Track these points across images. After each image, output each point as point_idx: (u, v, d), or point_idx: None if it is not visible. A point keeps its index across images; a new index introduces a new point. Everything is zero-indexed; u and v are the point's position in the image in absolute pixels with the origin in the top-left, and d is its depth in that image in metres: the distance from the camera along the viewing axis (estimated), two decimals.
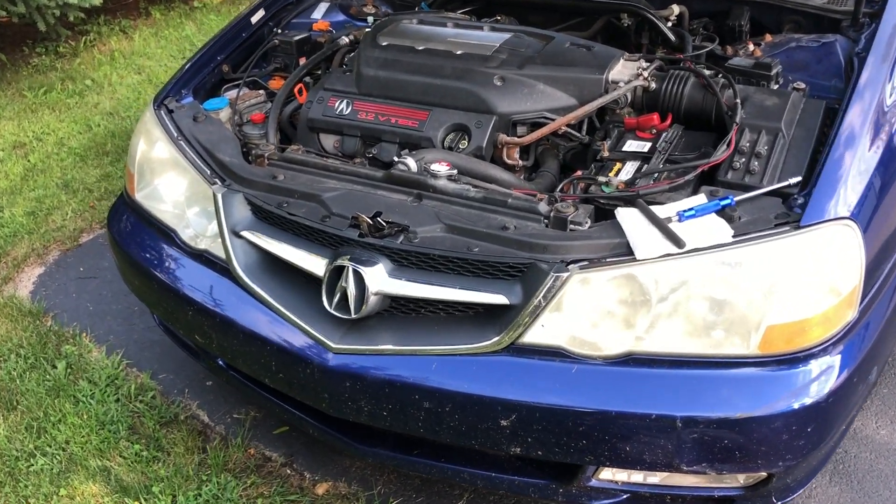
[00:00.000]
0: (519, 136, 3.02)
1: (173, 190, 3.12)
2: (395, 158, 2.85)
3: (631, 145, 2.85)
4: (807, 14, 3.34)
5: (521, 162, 3.04)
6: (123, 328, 4.12)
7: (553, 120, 2.99)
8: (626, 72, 3.04)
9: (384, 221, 2.56)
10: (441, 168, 2.74)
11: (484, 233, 2.49)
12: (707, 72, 2.97)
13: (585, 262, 2.35)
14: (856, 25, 3.11)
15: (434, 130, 3.02)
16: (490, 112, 2.99)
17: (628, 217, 2.40)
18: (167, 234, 3.08)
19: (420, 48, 3.24)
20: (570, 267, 2.34)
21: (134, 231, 3.19)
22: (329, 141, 3.27)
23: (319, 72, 3.57)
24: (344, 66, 3.38)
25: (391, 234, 2.54)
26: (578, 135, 3.03)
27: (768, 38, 3.31)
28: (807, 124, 2.69)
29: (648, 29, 3.57)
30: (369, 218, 2.56)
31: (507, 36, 3.27)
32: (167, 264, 3.01)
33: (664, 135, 2.85)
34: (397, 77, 3.15)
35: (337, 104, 3.20)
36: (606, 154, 2.83)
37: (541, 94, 3.01)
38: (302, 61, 3.69)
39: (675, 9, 3.53)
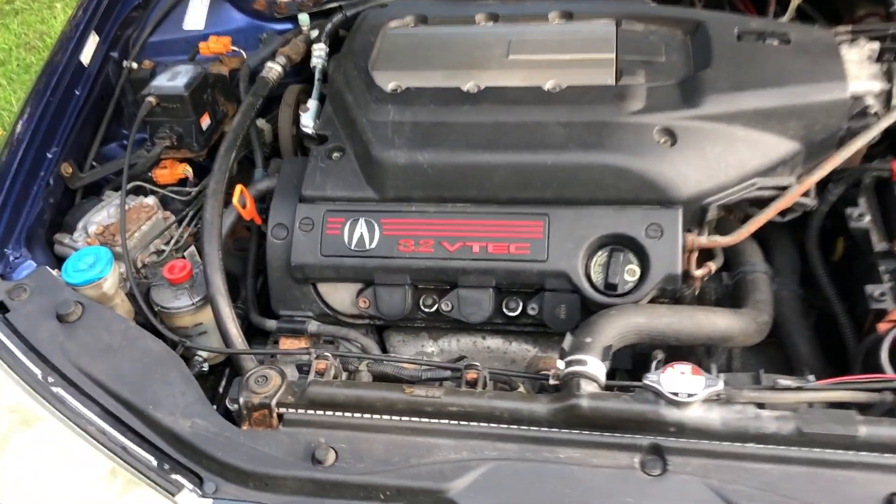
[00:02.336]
0: (719, 232, 1.62)
1: None
2: (557, 369, 1.39)
3: None
4: None
5: (710, 267, 1.66)
6: None
7: (780, 190, 1.61)
8: (866, 71, 1.68)
9: None
10: (685, 379, 1.31)
11: None
12: None
13: None
14: None
15: (567, 257, 1.57)
16: (667, 200, 1.57)
17: None
18: None
19: (474, 89, 1.71)
20: None
21: None
22: (341, 295, 1.73)
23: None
24: (326, 146, 1.77)
25: None
26: (807, 200, 1.67)
27: None
28: None
29: None
30: None
31: (604, 27, 1.80)
32: None
33: None
34: (457, 161, 1.62)
35: (346, 229, 1.65)
36: None
37: (742, 145, 1.61)
38: (205, 122, 2.03)
39: None
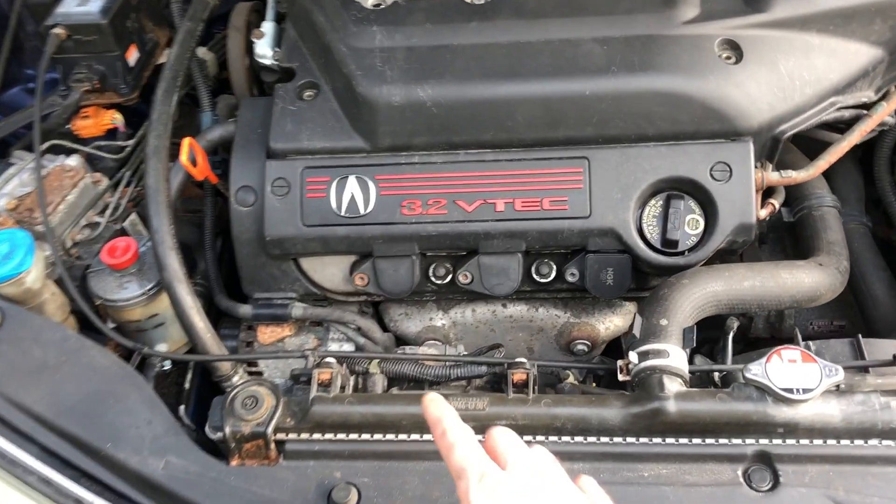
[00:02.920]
0: (795, 165, 1.33)
1: None
2: (627, 361, 1.10)
3: None
4: None
5: (773, 205, 1.37)
6: None
7: (860, 108, 1.33)
8: None
9: None
10: (796, 370, 1.04)
11: None
12: None
13: None
14: None
15: (614, 209, 1.26)
16: (735, 132, 1.26)
17: None
18: None
19: None
20: None
21: None
22: (330, 271, 1.40)
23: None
24: (295, 82, 1.39)
25: None
26: (888, 118, 1.39)
27: None
28: None
29: None
30: None
31: None
32: None
33: None
34: (468, 95, 1.28)
35: (333, 190, 1.30)
36: None
37: (818, 56, 1.30)
38: (132, 56, 1.63)
39: None
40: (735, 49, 1.27)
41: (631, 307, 1.46)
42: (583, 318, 1.45)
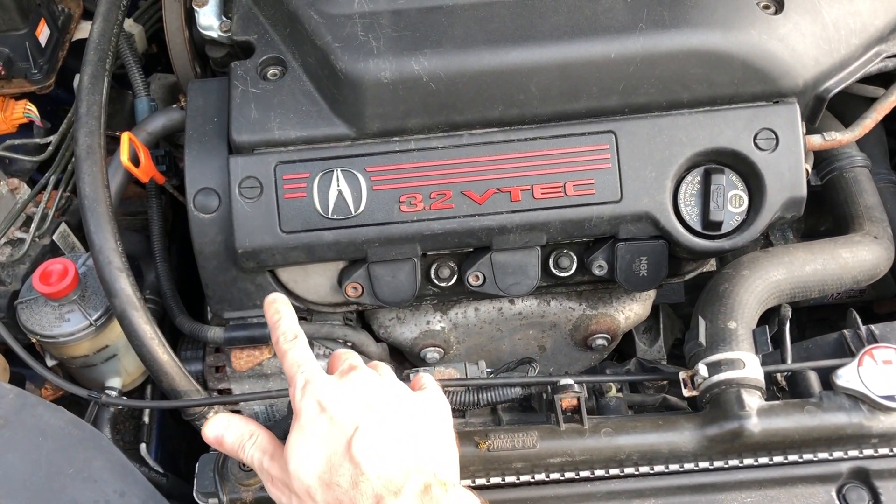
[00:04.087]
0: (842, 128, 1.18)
1: None
2: (693, 373, 0.93)
3: None
4: None
5: (805, 169, 1.22)
6: None
7: None
8: None
9: None
10: (891, 373, 0.89)
11: None
12: None
13: None
14: None
15: (649, 190, 1.09)
16: (778, 92, 1.10)
17: None
18: None
19: None
20: None
21: None
22: (314, 281, 1.19)
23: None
24: (255, 59, 1.15)
25: None
26: None
27: None
28: None
29: None
30: None
31: None
32: None
33: None
34: (472, 65, 1.07)
35: (316, 187, 1.09)
36: None
37: (861, 0, 1.15)
38: (43, 33, 1.36)
39: None
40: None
41: (651, 292, 1.30)
42: (600, 310, 1.29)
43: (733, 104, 1.10)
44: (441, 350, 1.30)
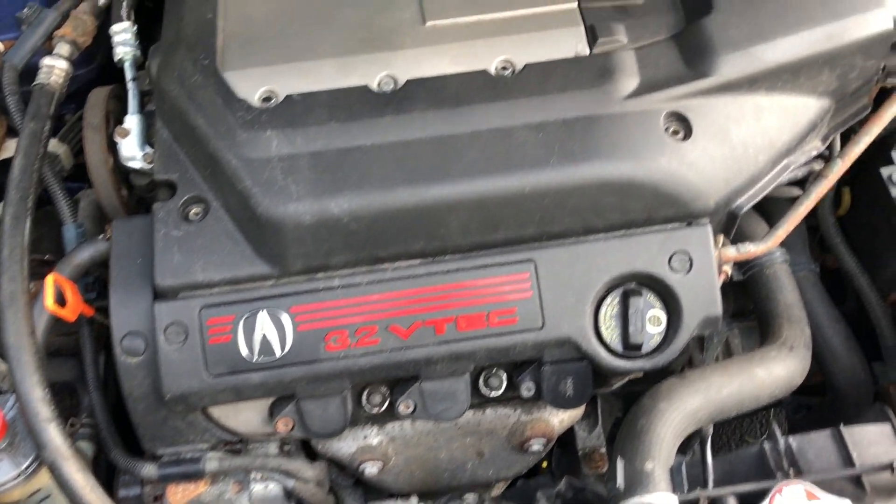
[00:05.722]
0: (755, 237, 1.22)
1: None
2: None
3: None
4: None
5: (726, 272, 1.26)
6: None
7: (808, 164, 1.23)
8: None
9: None
10: None
11: None
12: None
13: None
14: None
15: (569, 316, 1.12)
16: (690, 214, 1.13)
17: None
18: None
19: (388, 85, 1.15)
20: None
21: None
22: (245, 415, 1.19)
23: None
24: (176, 200, 1.15)
25: None
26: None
27: None
28: None
29: None
30: None
31: None
32: None
33: None
34: (391, 203, 1.09)
35: (241, 331, 1.10)
36: None
37: (769, 117, 1.19)
38: None
39: None
40: (683, 122, 1.13)
41: None
42: (534, 415, 1.31)
43: (647, 227, 1.13)
44: (380, 463, 1.31)
